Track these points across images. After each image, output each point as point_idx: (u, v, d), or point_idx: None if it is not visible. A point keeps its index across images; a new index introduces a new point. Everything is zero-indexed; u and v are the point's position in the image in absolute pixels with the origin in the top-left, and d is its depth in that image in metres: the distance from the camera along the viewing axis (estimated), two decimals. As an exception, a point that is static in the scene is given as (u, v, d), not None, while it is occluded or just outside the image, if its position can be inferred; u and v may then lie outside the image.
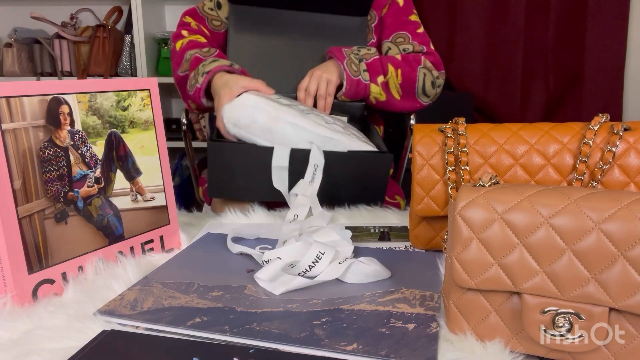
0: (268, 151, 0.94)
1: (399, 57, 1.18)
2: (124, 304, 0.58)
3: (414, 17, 1.26)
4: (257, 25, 1.19)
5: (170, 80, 2.20)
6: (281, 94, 1.06)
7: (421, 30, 1.25)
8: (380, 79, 1.15)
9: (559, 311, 0.47)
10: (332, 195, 0.95)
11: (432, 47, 1.24)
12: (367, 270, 0.64)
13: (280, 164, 0.93)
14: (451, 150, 0.71)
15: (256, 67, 1.15)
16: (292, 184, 0.94)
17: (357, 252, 0.72)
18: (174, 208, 0.79)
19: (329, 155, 0.93)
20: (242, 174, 0.96)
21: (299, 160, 0.93)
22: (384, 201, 1.20)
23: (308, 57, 1.18)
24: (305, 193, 0.89)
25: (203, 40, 1.19)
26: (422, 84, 1.18)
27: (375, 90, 1.15)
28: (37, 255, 0.61)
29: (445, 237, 0.72)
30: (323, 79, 1.11)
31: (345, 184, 0.96)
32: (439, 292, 0.61)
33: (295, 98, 1.12)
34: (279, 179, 0.94)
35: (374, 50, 1.18)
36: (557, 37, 2.37)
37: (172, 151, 0.88)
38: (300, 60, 1.18)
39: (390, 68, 1.16)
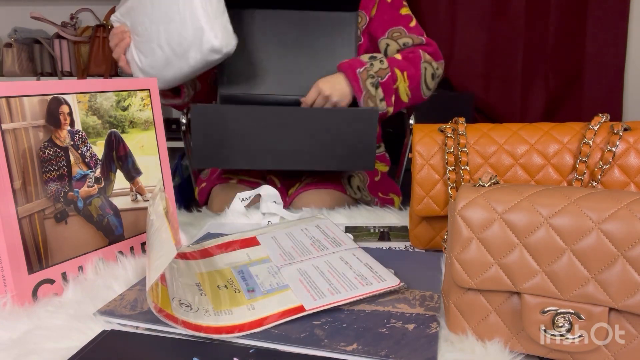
0: (258, 111, 0.89)
1: (398, 56, 1.16)
2: (124, 304, 0.58)
3: (405, 11, 1.24)
4: (248, 26, 1.18)
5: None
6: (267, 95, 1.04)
7: (414, 23, 1.23)
8: (393, 98, 1.13)
9: (558, 311, 0.47)
10: (316, 159, 0.90)
11: (428, 38, 1.23)
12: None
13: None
14: (451, 150, 0.71)
15: (248, 67, 1.15)
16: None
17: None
18: (174, 208, 0.79)
19: (307, 113, 0.89)
20: (229, 139, 0.92)
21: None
22: (378, 197, 1.20)
23: (300, 54, 1.17)
24: (273, 212, 0.90)
25: None
26: (424, 80, 1.17)
27: (390, 110, 1.14)
28: (37, 255, 0.61)
29: (445, 237, 0.72)
30: (329, 104, 1.08)
31: (328, 144, 0.91)
32: (439, 292, 0.61)
33: (278, 103, 1.10)
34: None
35: (385, 61, 1.13)
36: (557, 37, 2.37)
37: (172, 151, 0.87)
38: (293, 59, 1.17)
39: (398, 73, 1.13)
